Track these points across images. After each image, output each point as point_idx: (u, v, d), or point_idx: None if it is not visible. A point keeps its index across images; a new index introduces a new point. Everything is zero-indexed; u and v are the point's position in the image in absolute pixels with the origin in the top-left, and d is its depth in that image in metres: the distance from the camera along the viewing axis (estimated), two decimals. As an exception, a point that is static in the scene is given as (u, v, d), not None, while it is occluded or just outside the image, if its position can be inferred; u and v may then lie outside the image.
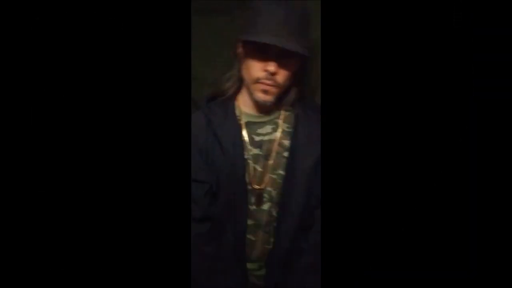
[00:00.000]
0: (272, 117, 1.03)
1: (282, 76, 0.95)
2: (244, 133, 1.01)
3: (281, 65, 0.93)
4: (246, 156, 0.99)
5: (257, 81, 0.95)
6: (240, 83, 1.02)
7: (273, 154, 1.00)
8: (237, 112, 1.03)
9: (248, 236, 1.00)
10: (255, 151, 1.00)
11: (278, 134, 1.01)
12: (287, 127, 1.02)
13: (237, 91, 1.03)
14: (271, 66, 0.92)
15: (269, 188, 1.00)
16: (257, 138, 1.01)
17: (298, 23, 0.91)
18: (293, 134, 1.01)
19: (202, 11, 1.16)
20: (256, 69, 0.95)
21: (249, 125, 1.02)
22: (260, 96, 0.96)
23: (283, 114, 1.02)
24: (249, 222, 1.00)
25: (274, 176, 0.99)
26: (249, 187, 0.99)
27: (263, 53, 0.93)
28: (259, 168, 0.99)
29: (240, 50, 0.98)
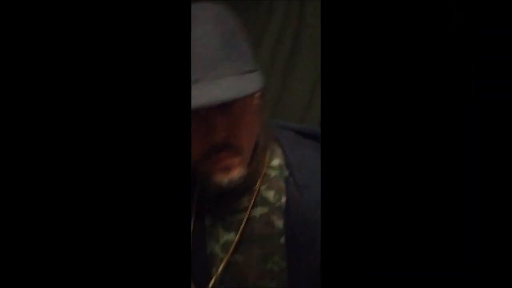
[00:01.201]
0: (246, 193, 0.73)
1: (239, 136, 0.67)
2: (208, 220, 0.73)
3: (231, 121, 0.66)
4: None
5: (206, 158, 0.68)
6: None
7: (261, 239, 0.71)
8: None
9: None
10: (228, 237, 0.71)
11: (261, 210, 0.72)
12: (274, 198, 0.74)
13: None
14: (217, 132, 0.65)
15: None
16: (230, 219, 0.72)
17: (238, 52, 0.66)
18: (286, 209, 0.72)
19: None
20: (198, 144, 0.68)
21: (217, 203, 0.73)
22: (222, 178, 0.69)
23: (270, 175, 0.73)
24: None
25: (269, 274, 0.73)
26: None
27: (199, 118, 0.66)
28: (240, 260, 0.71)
29: None
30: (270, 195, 0.74)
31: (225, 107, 0.64)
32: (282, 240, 0.71)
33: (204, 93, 0.62)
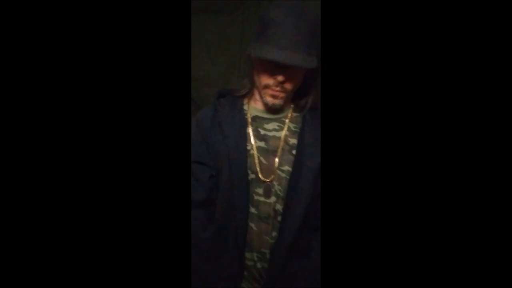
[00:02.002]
0: (279, 116, 1.07)
1: (290, 83, 1.00)
2: (249, 126, 1.05)
3: (289, 74, 0.98)
4: (249, 147, 1.02)
5: (266, 87, 1.00)
6: (252, 85, 1.06)
7: (279, 150, 1.03)
8: (246, 107, 1.07)
9: (250, 224, 1.01)
10: (260, 143, 1.04)
11: (284, 132, 1.05)
12: (294, 127, 1.06)
13: (249, 91, 1.08)
14: (280, 76, 0.97)
15: (275, 183, 1.02)
16: (262, 132, 1.05)
17: (308, 33, 0.94)
18: (300, 134, 1.05)
19: (202, 11, 1.17)
20: (265, 77, 0.99)
21: (255, 119, 1.06)
22: (269, 100, 1.02)
23: (290, 114, 1.07)
24: (252, 210, 1.01)
25: (280, 172, 1.02)
26: (255, 177, 1.01)
27: (271, 64, 0.97)
28: (264, 161, 1.02)
29: (250, 57, 1.03)
30: (291, 125, 1.07)
31: (290, 67, 0.97)
32: (293, 151, 1.03)
33: (286, 55, 0.93)
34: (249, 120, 1.05)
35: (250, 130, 1.05)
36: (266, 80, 1.00)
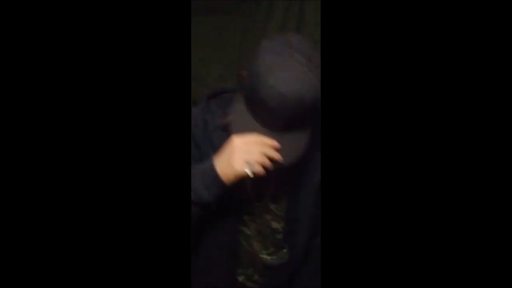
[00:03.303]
0: None
1: None
2: None
3: None
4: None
5: None
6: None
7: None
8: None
9: (243, 242, 0.97)
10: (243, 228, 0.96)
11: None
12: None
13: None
14: None
15: (269, 199, 0.95)
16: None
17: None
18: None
19: (202, 11, 1.17)
20: None
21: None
22: None
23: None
24: (244, 229, 0.96)
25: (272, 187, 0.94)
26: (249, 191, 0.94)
27: None
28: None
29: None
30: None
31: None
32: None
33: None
34: None
35: None
36: None
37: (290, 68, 0.78)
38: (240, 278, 1.00)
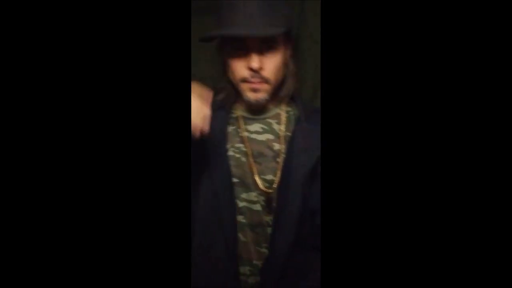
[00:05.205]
0: (263, 116, 0.98)
1: (269, 70, 0.91)
2: (230, 126, 0.97)
3: (265, 58, 0.90)
4: (230, 149, 0.95)
5: (243, 80, 0.92)
6: (231, 85, 0.96)
7: (260, 156, 0.95)
8: (233, 107, 0.99)
9: (238, 234, 0.94)
10: (239, 145, 0.95)
11: (268, 135, 0.96)
12: (282, 131, 0.97)
13: (229, 94, 0.99)
14: (254, 62, 0.88)
15: (258, 191, 0.95)
16: (243, 134, 0.96)
17: (272, 11, 0.87)
18: (290, 139, 0.95)
19: (202, 11, 1.16)
20: (239, 68, 0.91)
21: (238, 119, 0.97)
22: (251, 96, 0.92)
23: (282, 116, 0.98)
24: (239, 218, 0.95)
25: (261, 181, 0.94)
26: (239, 182, 0.94)
27: (242, 49, 0.89)
28: (246, 166, 0.94)
29: (220, 51, 0.95)
30: (278, 128, 0.96)
31: (267, 45, 0.88)
32: (277, 159, 0.94)
33: (241, 29, 0.86)
34: (233, 119, 0.97)
35: (230, 130, 0.96)
36: (241, 72, 0.90)
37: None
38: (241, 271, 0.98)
